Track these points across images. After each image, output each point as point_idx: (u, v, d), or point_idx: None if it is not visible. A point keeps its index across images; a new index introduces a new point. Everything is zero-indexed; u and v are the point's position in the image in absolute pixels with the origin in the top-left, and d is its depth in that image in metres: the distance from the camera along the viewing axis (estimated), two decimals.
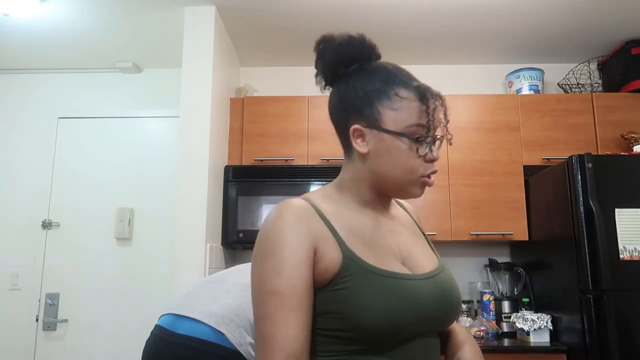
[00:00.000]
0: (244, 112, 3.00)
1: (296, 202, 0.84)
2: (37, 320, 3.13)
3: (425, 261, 0.91)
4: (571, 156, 2.33)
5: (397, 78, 0.88)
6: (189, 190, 2.56)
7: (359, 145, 0.88)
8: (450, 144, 0.98)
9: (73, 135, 3.38)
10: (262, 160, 2.92)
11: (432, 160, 0.88)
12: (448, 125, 0.90)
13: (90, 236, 3.23)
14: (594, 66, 3.30)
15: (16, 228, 3.27)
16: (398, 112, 0.86)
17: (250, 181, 2.83)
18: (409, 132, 0.85)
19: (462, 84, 3.41)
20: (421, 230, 1.02)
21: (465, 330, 1.01)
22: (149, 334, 1.58)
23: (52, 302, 3.14)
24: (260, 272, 0.79)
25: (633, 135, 2.78)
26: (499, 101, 2.97)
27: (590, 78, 3.26)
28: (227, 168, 2.86)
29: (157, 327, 1.58)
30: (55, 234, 3.24)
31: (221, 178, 2.85)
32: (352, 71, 0.91)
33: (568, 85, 3.21)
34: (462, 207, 2.85)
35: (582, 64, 3.31)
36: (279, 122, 2.97)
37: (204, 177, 2.58)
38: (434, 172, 0.89)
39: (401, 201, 1.06)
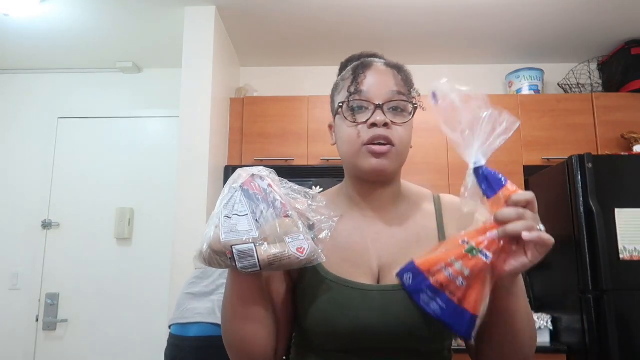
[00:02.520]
0: (244, 112, 3.00)
1: None
2: (37, 320, 3.13)
3: None
4: (571, 156, 2.33)
5: (349, 66, 0.92)
6: (189, 190, 2.56)
7: (332, 139, 0.94)
8: (417, 108, 0.88)
9: (73, 135, 3.38)
10: (262, 160, 2.91)
11: (374, 125, 0.82)
12: (415, 95, 0.88)
13: (90, 236, 3.22)
14: (594, 66, 3.30)
15: (16, 228, 3.26)
16: (340, 93, 0.90)
17: None
18: (342, 103, 0.88)
19: (462, 84, 3.40)
20: (440, 237, 0.88)
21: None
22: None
23: (52, 302, 3.14)
24: None
25: (633, 135, 2.78)
26: (499, 101, 2.97)
27: (590, 78, 3.26)
28: (227, 168, 2.86)
29: (171, 335, 1.80)
30: (55, 234, 3.24)
31: (221, 178, 2.84)
32: None
33: (568, 85, 3.21)
34: None
35: (582, 64, 3.30)
36: (279, 122, 2.97)
37: (204, 177, 2.58)
38: (376, 137, 0.82)
39: (445, 200, 0.93)
